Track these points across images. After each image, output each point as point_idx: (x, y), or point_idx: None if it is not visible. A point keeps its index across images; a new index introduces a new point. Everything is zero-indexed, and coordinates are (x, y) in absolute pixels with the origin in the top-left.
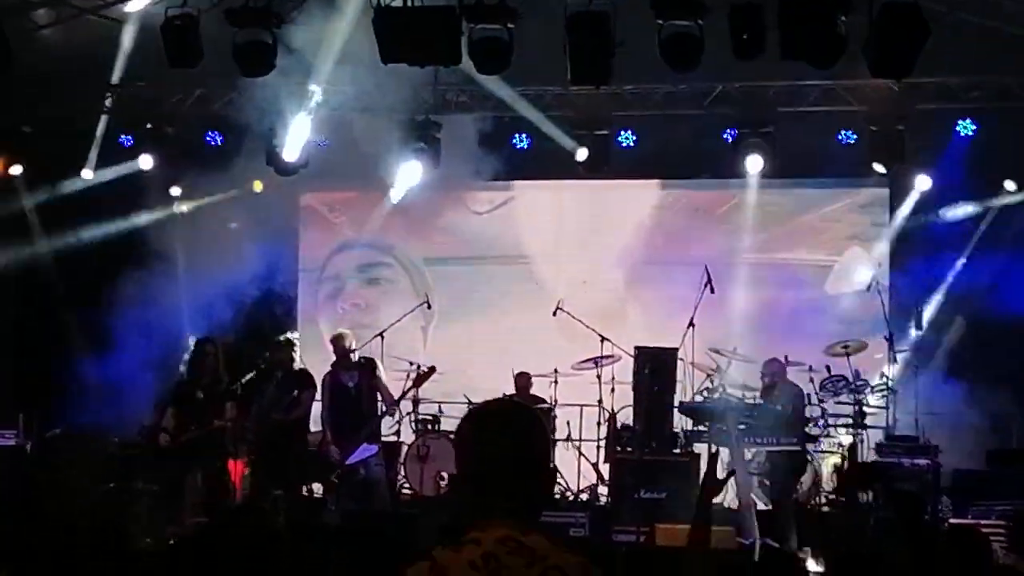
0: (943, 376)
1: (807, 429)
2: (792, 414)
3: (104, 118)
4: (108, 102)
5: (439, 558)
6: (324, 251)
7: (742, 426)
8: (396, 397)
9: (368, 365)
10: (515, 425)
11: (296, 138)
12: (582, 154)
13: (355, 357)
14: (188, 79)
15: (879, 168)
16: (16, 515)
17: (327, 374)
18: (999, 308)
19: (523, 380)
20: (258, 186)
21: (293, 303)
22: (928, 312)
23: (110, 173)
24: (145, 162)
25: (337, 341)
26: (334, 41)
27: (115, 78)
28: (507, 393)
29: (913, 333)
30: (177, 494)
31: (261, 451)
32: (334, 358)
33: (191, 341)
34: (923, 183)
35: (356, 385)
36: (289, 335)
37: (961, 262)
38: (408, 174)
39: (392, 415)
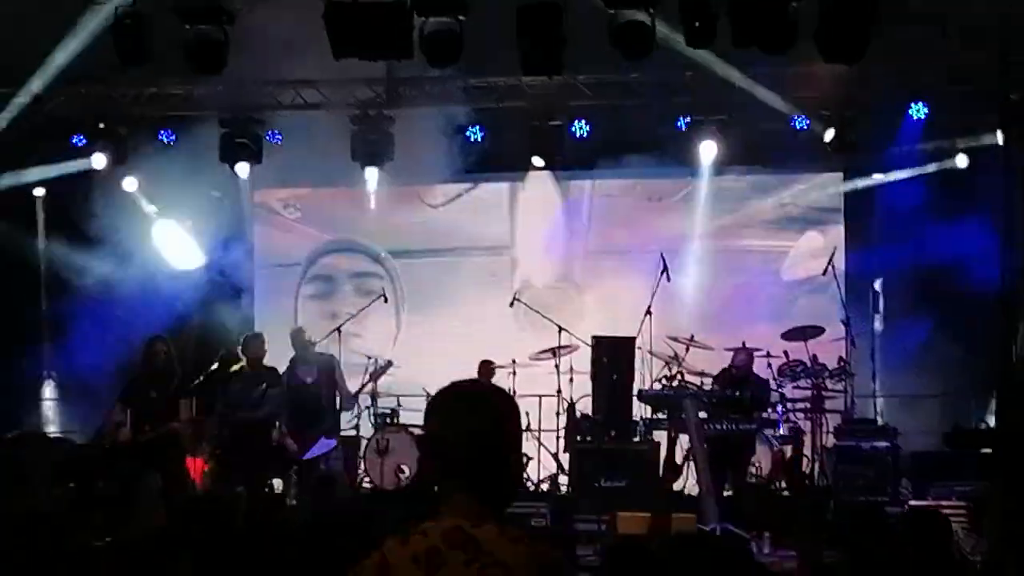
0: (901, 358)
1: (766, 415)
2: (750, 400)
3: None
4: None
5: (388, 552)
6: (296, 248)
7: (702, 413)
8: (354, 392)
9: (327, 360)
10: (485, 405)
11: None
12: (538, 161)
13: (313, 353)
14: (141, 77)
15: (833, 152)
16: None
17: (286, 370)
18: (957, 285)
19: (486, 369)
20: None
21: (250, 299)
22: (884, 294)
23: (61, 171)
24: (98, 161)
25: (296, 336)
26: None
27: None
28: None
29: (870, 317)
30: (136, 494)
31: (225, 448)
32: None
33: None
34: (877, 172)
35: (315, 380)
36: (257, 331)
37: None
38: (371, 172)
39: (350, 409)
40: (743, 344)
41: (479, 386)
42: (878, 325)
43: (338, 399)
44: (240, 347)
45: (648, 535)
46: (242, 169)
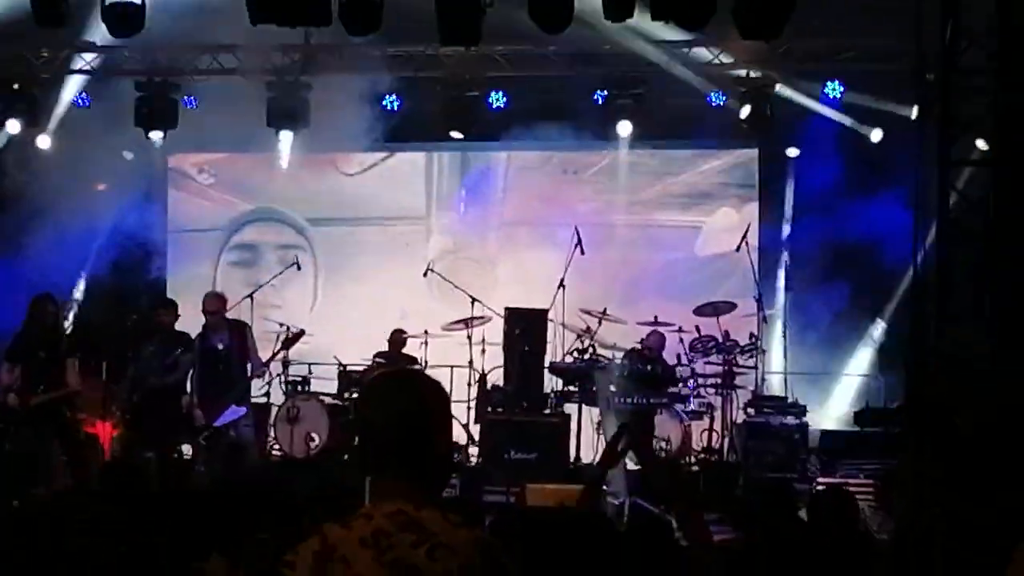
0: (812, 336)
1: (677, 389)
2: (661, 374)
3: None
4: None
5: (329, 535)
6: (209, 214)
7: (612, 387)
8: (265, 359)
9: (239, 327)
10: (411, 386)
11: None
12: (454, 132)
13: (226, 319)
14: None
15: (748, 128)
16: None
17: (197, 335)
18: (871, 262)
19: (398, 338)
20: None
21: (162, 264)
22: (797, 271)
23: None
24: (12, 126)
25: (209, 302)
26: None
27: None
28: (378, 352)
29: (782, 293)
30: (41, 455)
31: (135, 414)
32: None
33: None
34: (792, 148)
35: (226, 347)
36: (170, 296)
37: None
38: (286, 138)
39: (261, 377)
40: (655, 319)
41: (406, 371)
42: (785, 301)
43: (249, 366)
44: (153, 312)
45: (579, 504)
46: (156, 135)
